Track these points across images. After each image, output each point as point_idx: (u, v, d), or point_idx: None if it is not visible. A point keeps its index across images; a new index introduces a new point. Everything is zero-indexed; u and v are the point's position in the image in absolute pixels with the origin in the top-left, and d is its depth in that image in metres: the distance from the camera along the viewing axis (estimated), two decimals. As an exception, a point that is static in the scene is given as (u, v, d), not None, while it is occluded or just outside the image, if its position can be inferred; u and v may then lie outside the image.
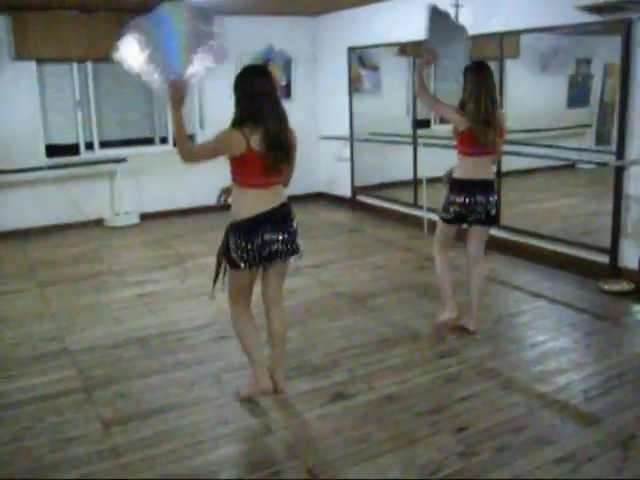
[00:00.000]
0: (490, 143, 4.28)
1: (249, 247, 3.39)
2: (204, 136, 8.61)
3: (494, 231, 6.52)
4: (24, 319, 5.07)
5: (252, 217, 3.39)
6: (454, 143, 4.47)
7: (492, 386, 3.72)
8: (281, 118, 3.44)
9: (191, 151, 3.46)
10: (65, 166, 7.99)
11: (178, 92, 3.32)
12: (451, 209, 4.37)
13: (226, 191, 3.65)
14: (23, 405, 3.69)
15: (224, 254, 3.54)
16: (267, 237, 3.41)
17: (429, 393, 3.67)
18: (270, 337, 3.72)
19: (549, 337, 4.44)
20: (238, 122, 3.35)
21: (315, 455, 3.11)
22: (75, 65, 8.01)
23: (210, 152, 3.44)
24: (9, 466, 3.12)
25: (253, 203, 3.40)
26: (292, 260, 3.64)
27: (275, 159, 3.36)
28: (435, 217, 7.12)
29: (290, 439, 3.27)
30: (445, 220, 4.47)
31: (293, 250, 3.57)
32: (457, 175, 4.40)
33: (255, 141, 3.31)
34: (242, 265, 3.44)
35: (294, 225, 3.57)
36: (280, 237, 3.46)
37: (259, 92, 3.38)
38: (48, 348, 4.49)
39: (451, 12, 6.46)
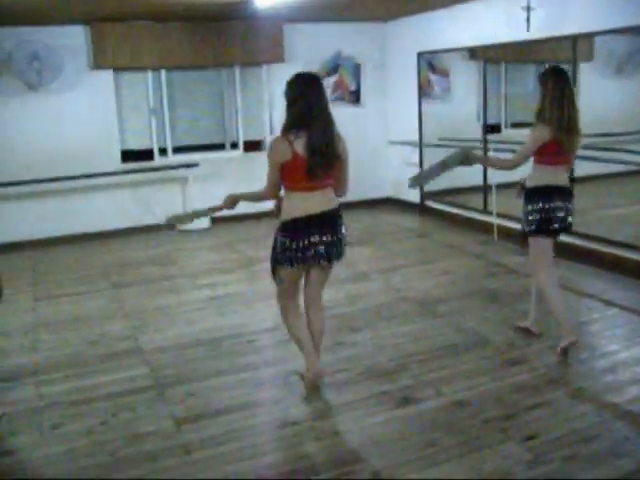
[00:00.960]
0: (575, 150, 4.17)
1: (294, 247, 3.53)
2: (274, 141, 8.74)
3: (565, 238, 6.40)
4: (100, 318, 5.25)
5: (297, 218, 3.53)
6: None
7: (562, 395, 3.65)
8: (327, 125, 3.52)
9: (267, 194, 3.70)
10: (139, 171, 8.23)
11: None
12: (530, 218, 4.22)
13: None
14: (98, 401, 3.83)
15: (272, 254, 3.69)
16: (313, 239, 3.53)
17: (498, 400, 3.62)
18: (310, 332, 3.82)
19: (622, 346, 4.32)
20: (287, 127, 3.50)
21: (381, 458, 3.11)
22: (150, 73, 8.25)
23: (274, 177, 3.59)
24: (86, 458, 3.24)
25: (300, 205, 3.53)
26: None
27: (314, 164, 3.45)
28: (505, 223, 7.07)
29: (356, 442, 3.29)
30: (532, 233, 4.28)
31: (338, 254, 3.66)
32: (533, 183, 4.22)
33: (299, 145, 3.43)
34: (286, 264, 3.58)
35: (342, 231, 3.68)
36: (325, 239, 3.56)
37: (307, 98, 3.47)
38: (122, 347, 4.64)
39: (522, 14, 6.43)
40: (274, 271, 3.74)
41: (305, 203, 3.53)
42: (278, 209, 3.73)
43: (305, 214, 3.52)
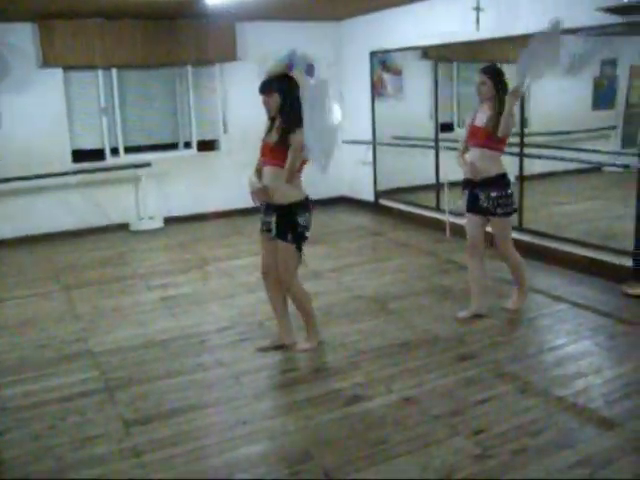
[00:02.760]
0: None
1: (311, 220, 4.10)
2: (227, 140, 8.72)
3: (517, 235, 6.51)
4: (49, 321, 5.17)
5: (307, 196, 4.10)
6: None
7: (510, 389, 3.71)
8: None
9: (295, 172, 4.04)
10: (91, 171, 8.12)
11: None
12: (511, 200, 4.68)
13: (261, 191, 4.05)
14: (46, 405, 3.76)
15: (294, 233, 4.06)
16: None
17: (447, 396, 3.66)
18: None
19: (569, 340, 4.41)
20: (300, 123, 3.86)
21: (332, 456, 3.13)
22: (100, 72, 8.13)
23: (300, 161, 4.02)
24: (32, 464, 3.18)
25: (302, 185, 4.12)
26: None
27: None
28: (457, 221, 7.15)
29: (307, 440, 3.29)
30: (509, 214, 4.72)
31: None
32: (500, 170, 4.62)
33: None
34: (308, 237, 4.13)
35: None
36: None
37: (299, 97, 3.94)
38: (72, 350, 4.57)
39: (472, 14, 6.52)
40: (299, 249, 4.11)
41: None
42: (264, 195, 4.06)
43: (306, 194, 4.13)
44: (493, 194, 4.59)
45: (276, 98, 4.02)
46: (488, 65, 4.71)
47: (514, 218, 5.03)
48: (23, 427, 3.53)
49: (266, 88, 4.06)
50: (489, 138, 4.55)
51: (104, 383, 4.01)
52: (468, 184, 4.72)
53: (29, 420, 3.60)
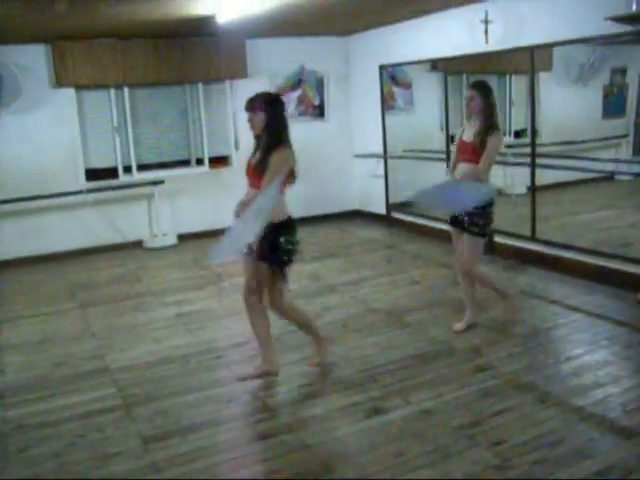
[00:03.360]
0: None
1: (297, 241, 3.95)
2: (238, 156, 8.76)
3: (530, 245, 6.51)
4: (66, 339, 5.20)
5: (290, 216, 3.95)
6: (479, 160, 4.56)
7: (528, 400, 3.70)
8: None
9: (277, 197, 3.80)
10: (104, 189, 8.18)
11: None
12: (491, 218, 4.66)
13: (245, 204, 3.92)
14: (65, 422, 3.78)
15: (274, 257, 3.91)
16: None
17: (465, 407, 3.66)
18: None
19: (586, 350, 4.39)
20: (285, 138, 3.90)
21: (351, 470, 3.12)
22: (112, 91, 8.21)
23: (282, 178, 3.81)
24: (53, 482, 3.20)
25: (286, 205, 3.98)
26: None
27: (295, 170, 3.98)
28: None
29: (327, 454, 3.29)
30: (485, 234, 4.74)
31: None
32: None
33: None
34: (292, 260, 3.97)
35: None
36: None
37: (286, 116, 3.98)
38: (89, 367, 4.60)
39: (481, 27, 6.55)
40: (282, 272, 3.96)
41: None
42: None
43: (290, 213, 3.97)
44: (470, 210, 4.53)
45: (261, 116, 3.90)
46: (477, 80, 4.76)
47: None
48: (43, 445, 3.55)
49: (250, 106, 3.93)
50: (477, 153, 4.54)
51: (122, 400, 4.03)
52: None
53: (49, 437, 3.62)
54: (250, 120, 3.95)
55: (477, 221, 4.57)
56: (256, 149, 4.03)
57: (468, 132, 4.64)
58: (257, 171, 3.91)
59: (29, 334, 5.36)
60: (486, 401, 3.71)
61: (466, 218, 4.58)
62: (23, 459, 3.42)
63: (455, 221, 4.74)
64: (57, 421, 3.81)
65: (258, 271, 4.00)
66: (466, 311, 4.92)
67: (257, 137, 4.02)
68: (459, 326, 4.84)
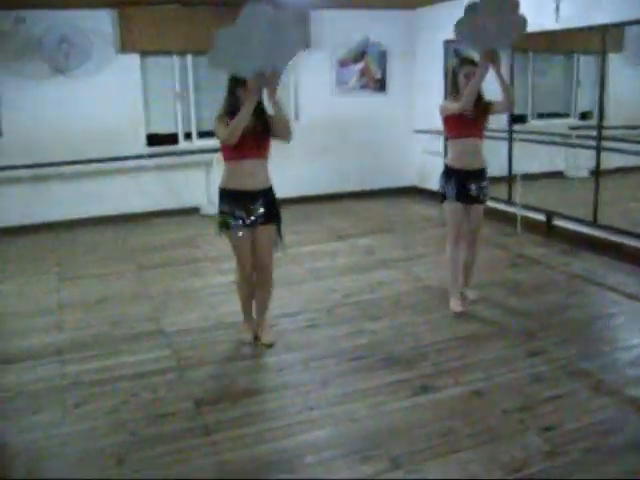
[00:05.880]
0: None
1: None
2: (299, 127, 8.74)
3: (590, 230, 6.36)
4: (123, 300, 5.32)
5: None
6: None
7: (582, 387, 3.64)
8: None
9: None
10: (164, 155, 8.29)
11: (259, 83, 3.77)
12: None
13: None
14: (120, 381, 3.89)
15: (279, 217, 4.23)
16: None
17: (516, 391, 3.62)
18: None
19: (644, 340, 4.30)
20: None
21: (398, 445, 3.13)
22: (176, 57, 8.28)
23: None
24: (108, 436, 3.30)
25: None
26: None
27: None
28: (529, 215, 7.03)
29: (374, 428, 3.30)
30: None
31: None
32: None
33: None
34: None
35: None
36: None
37: None
38: (145, 328, 4.70)
39: (551, 3, 6.37)
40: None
41: None
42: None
43: None
44: (484, 183, 4.75)
45: None
46: (470, 57, 4.75)
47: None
48: (98, 401, 3.66)
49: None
50: (483, 128, 4.69)
51: (175, 362, 4.12)
52: (457, 175, 4.70)
53: (104, 395, 3.73)
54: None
55: (487, 191, 4.80)
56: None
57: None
58: (265, 138, 4.01)
59: (88, 293, 5.50)
60: (538, 386, 3.67)
61: (481, 191, 4.74)
62: (79, 413, 3.53)
63: (466, 196, 4.72)
64: (112, 379, 3.92)
65: (254, 240, 4.15)
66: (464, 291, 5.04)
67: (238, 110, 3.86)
68: (459, 308, 4.83)
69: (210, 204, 8.47)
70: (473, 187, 4.70)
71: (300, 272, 5.89)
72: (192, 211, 8.46)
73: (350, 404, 3.54)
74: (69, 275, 6.03)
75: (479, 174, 4.72)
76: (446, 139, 4.72)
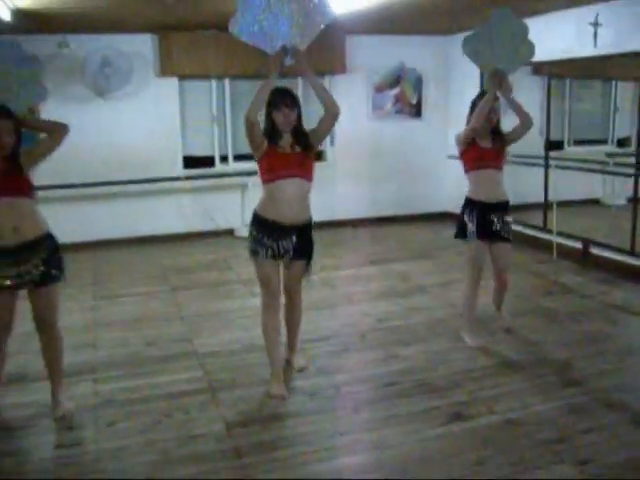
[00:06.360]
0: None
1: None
2: (334, 151, 8.81)
3: (628, 259, 6.26)
4: (157, 320, 5.36)
5: None
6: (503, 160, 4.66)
7: (620, 420, 3.56)
8: None
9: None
10: (201, 177, 8.38)
11: (279, 59, 3.82)
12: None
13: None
14: (152, 401, 3.91)
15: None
16: None
17: (552, 422, 3.55)
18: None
19: (686, 373, 4.20)
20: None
21: (430, 474, 3.09)
22: (214, 81, 8.40)
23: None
24: (138, 456, 3.31)
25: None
26: None
27: None
28: (565, 242, 6.95)
29: (406, 455, 3.27)
30: None
31: None
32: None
33: None
34: None
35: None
36: None
37: None
38: (178, 349, 4.73)
39: (589, 30, 6.35)
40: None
41: None
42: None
43: None
44: (507, 218, 4.61)
45: (296, 112, 3.81)
46: None
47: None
48: (130, 420, 3.68)
49: (293, 102, 3.83)
50: (502, 160, 4.59)
51: (208, 383, 4.13)
52: (478, 206, 4.58)
53: (136, 414, 3.74)
54: (288, 116, 3.76)
55: (510, 227, 4.67)
56: (274, 141, 3.80)
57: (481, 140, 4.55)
58: (306, 157, 3.84)
59: (124, 313, 5.56)
60: (575, 417, 3.60)
61: (505, 227, 4.62)
62: (111, 432, 3.55)
63: (488, 232, 4.59)
64: (145, 399, 3.94)
65: (298, 270, 4.03)
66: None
67: (276, 132, 3.80)
68: (477, 342, 4.69)
69: (244, 227, 8.53)
70: (495, 220, 4.56)
71: (334, 296, 5.88)
72: (226, 233, 8.51)
73: (382, 430, 3.51)
74: (105, 294, 6.10)
75: (501, 207, 4.59)
76: (466, 171, 4.63)
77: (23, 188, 3.48)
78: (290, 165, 3.76)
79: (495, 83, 4.42)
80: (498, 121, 4.58)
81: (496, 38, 4.40)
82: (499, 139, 4.57)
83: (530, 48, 4.40)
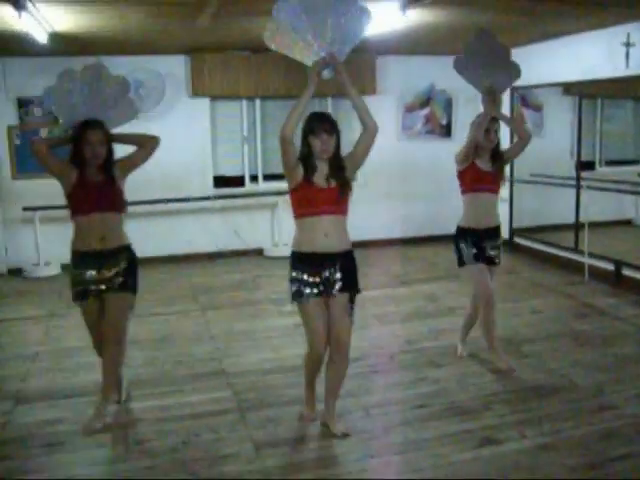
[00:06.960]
0: None
1: None
2: (363, 172, 8.79)
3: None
4: (187, 339, 5.39)
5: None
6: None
7: (655, 446, 3.50)
8: None
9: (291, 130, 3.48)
10: (231, 197, 8.45)
11: (318, 67, 3.79)
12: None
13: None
14: (182, 420, 3.92)
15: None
16: None
17: (584, 447, 3.50)
18: None
19: None
20: None
21: (461, 498, 3.06)
22: (244, 102, 8.49)
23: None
24: (168, 475, 3.33)
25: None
26: None
27: None
28: (597, 263, 6.86)
29: (436, 479, 3.24)
30: None
31: None
32: None
33: None
34: None
35: None
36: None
37: None
38: (207, 368, 4.74)
39: (622, 50, 6.31)
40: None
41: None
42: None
43: None
44: (498, 242, 4.62)
45: (335, 139, 3.60)
46: None
47: None
48: (159, 439, 3.69)
49: (332, 127, 3.62)
50: (499, 182, 4.56)
51: (237, 404, 4.13)
52: (470, 233, 4.55)
53: (166, 433, 3.76)
54: (326, 142, 3.54)
55: (501, 252, 4.67)
56: (309, 174, 3.54)
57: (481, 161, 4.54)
58: (342, 195, 3.56)
59: (153, 331, 5.60)
60: (607, 443, 3.53)
61: (496, 252, 4.59)
62: (141, 450, 3.57)
63: (483, 259, 4.55)
64: (174, 418, 3.95)
65: (342, 303, 3.59)
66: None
67: (311, 161, 3.56)
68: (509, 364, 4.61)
69: (274, 246, 8.57)
70: (488, 247, 4.54)
71: (363, 317, 5.84)
72: (256, 253, 8.55)
73: (412, 453, 3.49)
74: (136, 313, 6.10)
75: (493, 233, 4.57)
76: (462, 192, 4.61)
77: (115, 203, 3.87)
78: (325, 202, 3.50)
79: (489, 100, 4.45)
80: (498, 143, 4.57)
81: (482, 57, 4.54)
82: (499, 161, 4.55)
83: (515, 68, 4.59)
